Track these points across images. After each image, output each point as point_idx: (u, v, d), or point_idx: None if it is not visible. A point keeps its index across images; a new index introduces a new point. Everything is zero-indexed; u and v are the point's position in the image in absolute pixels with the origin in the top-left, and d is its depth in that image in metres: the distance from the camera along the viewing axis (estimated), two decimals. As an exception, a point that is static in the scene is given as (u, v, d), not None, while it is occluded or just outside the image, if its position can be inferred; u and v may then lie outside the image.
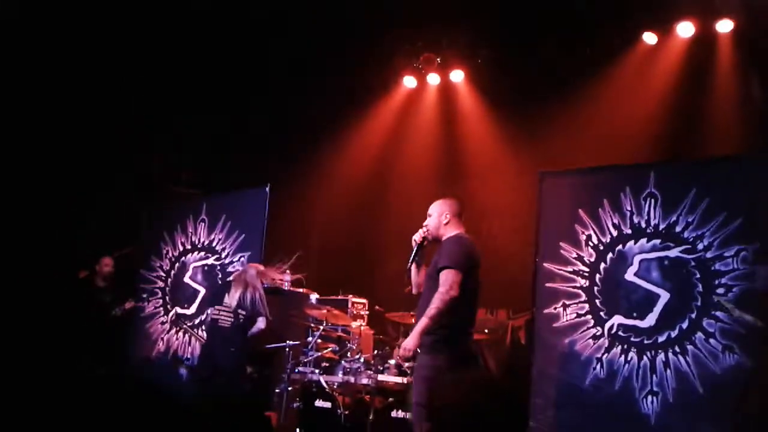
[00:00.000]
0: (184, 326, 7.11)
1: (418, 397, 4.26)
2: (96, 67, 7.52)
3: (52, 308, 6.92)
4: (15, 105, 7.14)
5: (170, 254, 7.88)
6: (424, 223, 4.66)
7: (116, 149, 8.11)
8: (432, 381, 4.12)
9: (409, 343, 4.27)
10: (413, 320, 6.45)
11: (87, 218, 7.99)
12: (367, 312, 7.48)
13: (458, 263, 4.31)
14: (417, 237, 4.65)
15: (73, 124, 7.66)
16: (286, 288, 7.23)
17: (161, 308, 7.77)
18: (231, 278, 6.56)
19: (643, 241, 5.59)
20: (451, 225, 4.58)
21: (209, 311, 6.41)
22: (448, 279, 4.25)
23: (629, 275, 5.54)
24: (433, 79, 8.57)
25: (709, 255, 5.24)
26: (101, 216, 8.05)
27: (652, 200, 5.61)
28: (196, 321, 7.29)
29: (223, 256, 7.39)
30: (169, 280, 7.80)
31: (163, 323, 7.66)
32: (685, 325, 5.17)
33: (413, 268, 4.75)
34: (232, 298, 6.16)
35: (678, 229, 5.40)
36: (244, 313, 6.13)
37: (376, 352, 6.69)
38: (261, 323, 6.24)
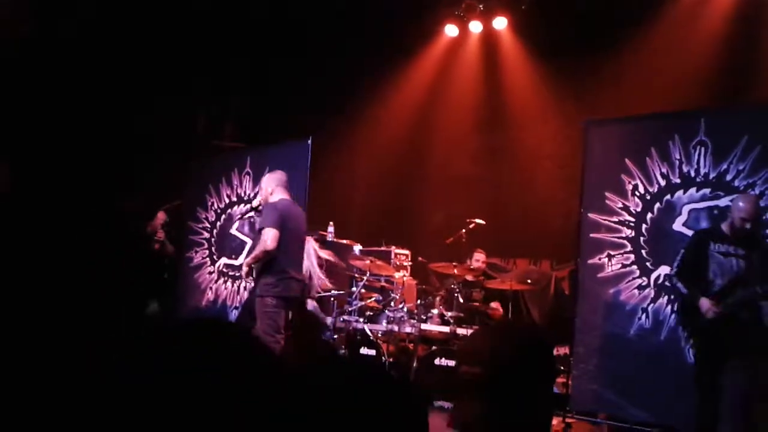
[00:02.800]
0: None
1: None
2: (139, 22, 7.56)
3: (113, 262, 7.14)
4: (63, 71, 7.26)
5: (216, 206, 8.02)
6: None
7: (161, 106, 8.20)
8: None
9: (245, 268, 5.61)
10: (455, 270, 6.53)
11: (136, 174, 8.15)
12: (410, 263, 7.55)
13: (272, 223, 5.37)
14: (254, 202, 5.90)
15: (118, 82, 7.76)
16: (329, 239, 7.33)
17: (208, 258, 7.95)
18: None
19: (693, 190, 5.49)
20: (275, 194, 5.64)
21: None
22: (265, 236, 5.36)
23: (677, 225, 5.47)
24: (476, 26, 8.41)
25: (761, 204, 5.12)
26: (149, 172, 8.20)
27: (702, 148, 5.48)
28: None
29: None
30: (215, 231, 7.96)
31: (210, 273, 7.85)
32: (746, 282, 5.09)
33: None
34: None
35: (729, 177, 5.28)
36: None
37: (419, 301, 6.78)
38: (310, 305, 6.36)
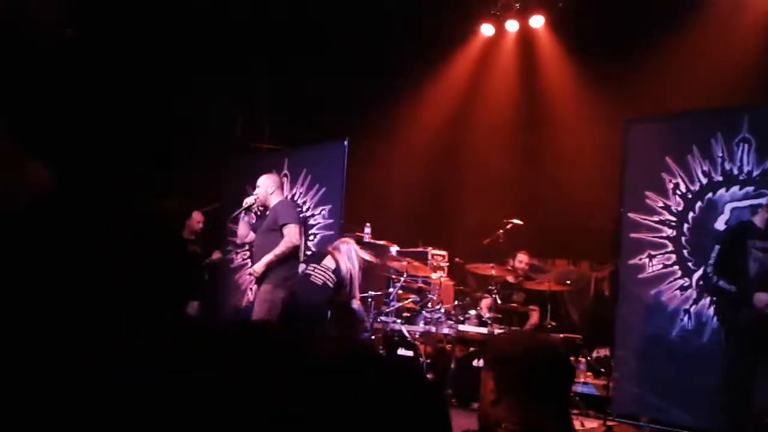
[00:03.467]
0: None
1: None
2: (175, 24, 7.68)
3: (151, 262, 7.26)
4: (104, 72, 7.42)
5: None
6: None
7: (199, 110, 8.32)
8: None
9: (259, 267, 5.62)
10: (492, 271, 6.49)
11: (174, 177, 8.28)
12: (447, 263, 7.53)
13: (295, 219, 5.64)
14: (248, 201, 5.93)
15: (157, 85, 7.90)
16: (366, 240, 7.36)
17: (249, 260, 8.05)
18: (330, 248, 6.69)
19: (735, 188, 5.37)
20: (275, 195, 5.83)
21: (302, 268, 6.59)
22: (291, 231, 5.56)
23: (720, 224, 5.36)
24: (512, 25, 8.35)
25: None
26: (187, 174, 8.33)
27: (746, 145, 5.37)
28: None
29: (304, 209, 7.55)
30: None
31: (250, 275, 7.95)
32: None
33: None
34: (330, 262, 6.30)
35: (773, 175, 5.16)
36: (335, 279, 6.26)
37: (456, 302, 6.76)
38: (355, 304, 6.38)
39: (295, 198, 7.71)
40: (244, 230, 6.02)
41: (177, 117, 8.14)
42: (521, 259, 7.07)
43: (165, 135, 8.07)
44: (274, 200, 5.80)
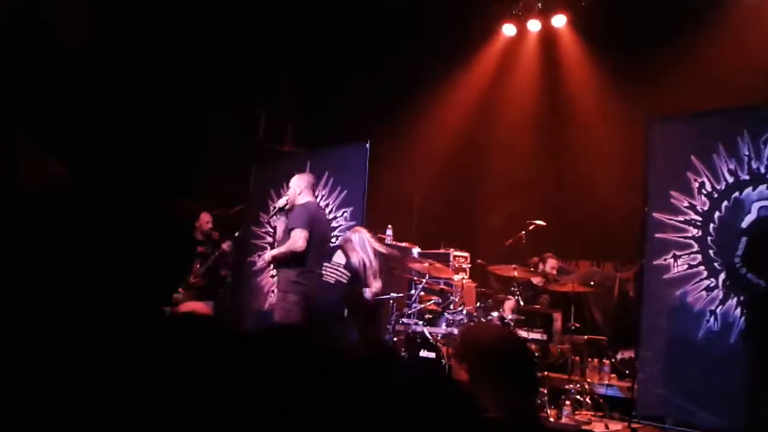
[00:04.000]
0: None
1: None
2: (199, 24, 7.74)
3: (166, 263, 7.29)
4: (123, 73, 7.50)
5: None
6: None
7: (224, 114, 8.39)
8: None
9: (266, 258, 5.86)
10: (514, 273, 6.45)
11: (197, 180, 8.35)
12: (469, 265, 7.50)
13: (303, 224, 5.47)
14: (281, 202, 5.88)
15: (181, 87, 7.97)
16: (388, 242, 7.35)
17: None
18: (340, 241, 6.72)
19: (763, 187, 5.29)
20: (303, 195, 5.75)
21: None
22: (295, 236, 5.44)
23: (746, 224, 5.26)
24: (534, 25, 8.30)
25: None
26: (210, 176, 8.39)
27: (773, 144, 5.27)
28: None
29: (327, 212, 7.58)
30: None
31: (272, 276, 7.98)
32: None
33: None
34: (340, 258, 6.33)
35: (801, 173, 5.06)
36: (348, 274, 6.27)
37: (478, 304, 6.73)
38: (367, 293, 6.36)
39: (318, 200, 7.74)
40: (280, 231, 5.98)
41: (201, 119, 8.21)
42: (552, 265, 7.03)
43: (189, 137, 8.15)
44: (300, 201, 5.76)
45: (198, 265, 7.39)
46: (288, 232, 5.55)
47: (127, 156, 7.48)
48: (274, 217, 6.00)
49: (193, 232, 7.61)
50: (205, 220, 7.64)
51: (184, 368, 0.94)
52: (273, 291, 7.91)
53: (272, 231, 8.12)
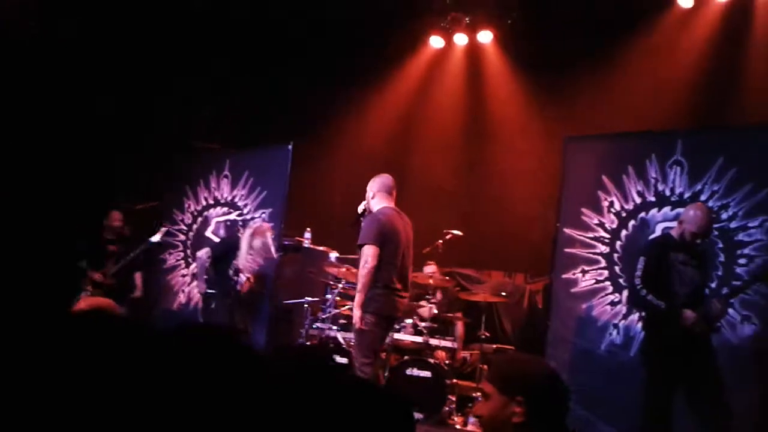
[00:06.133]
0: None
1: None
2: (121, 18, 7.51)
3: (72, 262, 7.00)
4: (40, 70, 7.19)
5: (192, 208, 7.97)
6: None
7: (141, 107, 8.12)
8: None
9: (355, 316, 4.84)
10: (430, 280, 6.50)
11: (112, 174, 8.05)
12: (386, 272, 7.50)
13: (372, 239, 4.83)
14: (359, 208, 5.27)
15: (96, 80, 7.68)
16: (306, 245, 7.29)
17: (182, 261, 7.89)
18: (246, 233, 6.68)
19: (667, 209, 5.54)
20: (376, 201, 5.12)
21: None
22: (364, 254, 4.84)
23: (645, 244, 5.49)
24: (461, 39, 8.44)
25: (733, 225, 5.19)
26: (126, 172, 8.10)
27: (678, 168, 5.54)
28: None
29: (245, 212, 7.46)
30: (191, 233, 7.90)
31: (183, 276, 7.78)
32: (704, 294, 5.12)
33: None
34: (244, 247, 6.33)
35: (703, 198, 5.34)
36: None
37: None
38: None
39: (236, 200, 7.60)
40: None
41: (117, 115, 7.93)
42: (428, 271, 6.98)
43: (104, 134, 7.85)
44: (372, 208, 5.12)
45: (109, 264, 7.10)
46: (358, 247, 4.94)
47: (33, 152, 7.15)
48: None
49: (102, 231, 7.28)
50: (116, 217, 7.33)
51: (81, 364, 0.89)
52: (183, 290, 7.71)
53: (185, 228, 7.92)
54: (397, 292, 4.91)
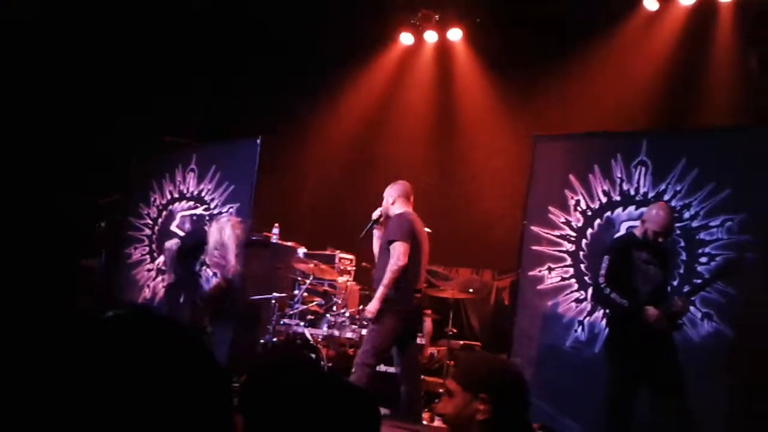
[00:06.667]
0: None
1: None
2: (87, 12, 7.38)
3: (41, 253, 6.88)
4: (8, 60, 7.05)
5: (158, 202, 7.86)
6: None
7: (108, 99, 7.99)
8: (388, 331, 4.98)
9: (373, 306, 4.98)
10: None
11: (77, 166, 7.90)
12: (354, 267, 7.51)
13: (404, 236, 5.00)
14: (375, 214, 5.33)
15: (64, 72, 7.53)
16: (274, 241, 7.25)
17: (147, 255, 7.78)
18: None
19: (632, 208, 5.62)
20: (397, 206, 5.24)
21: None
22: (396, 250, 4.94)
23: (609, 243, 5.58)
24: (431, 36, 8.46)
25: (694, 224, 5.29)
26: (91, 164, 7.97)
27: (643, 168, 5.63)
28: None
29: (211, 206, 7.37)
30: (156, 228, 7.79)
31: (149, 270, 7.67)
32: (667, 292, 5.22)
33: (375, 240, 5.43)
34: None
35: (666, 197, 5.43)
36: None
37: (361, 306, 6.74)
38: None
39: (203, 194, 7.52)
40: (376, 247, 5.39)
41: (87, 108, 7.79)
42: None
43: (73, 126, 7.71)
44: (394, 212, 5.22)
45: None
46: (387, 244, 5.03)
47: (10, 147, 6.99)
48: (373, 231, 5.36)
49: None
50: None
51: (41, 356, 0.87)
52: (148, 285, 7.61)
53: (151, 223, 7.81)
54: (416, 294, 5.17)
